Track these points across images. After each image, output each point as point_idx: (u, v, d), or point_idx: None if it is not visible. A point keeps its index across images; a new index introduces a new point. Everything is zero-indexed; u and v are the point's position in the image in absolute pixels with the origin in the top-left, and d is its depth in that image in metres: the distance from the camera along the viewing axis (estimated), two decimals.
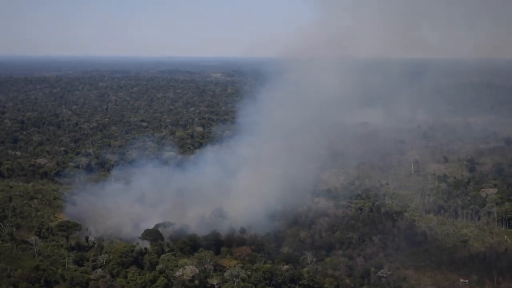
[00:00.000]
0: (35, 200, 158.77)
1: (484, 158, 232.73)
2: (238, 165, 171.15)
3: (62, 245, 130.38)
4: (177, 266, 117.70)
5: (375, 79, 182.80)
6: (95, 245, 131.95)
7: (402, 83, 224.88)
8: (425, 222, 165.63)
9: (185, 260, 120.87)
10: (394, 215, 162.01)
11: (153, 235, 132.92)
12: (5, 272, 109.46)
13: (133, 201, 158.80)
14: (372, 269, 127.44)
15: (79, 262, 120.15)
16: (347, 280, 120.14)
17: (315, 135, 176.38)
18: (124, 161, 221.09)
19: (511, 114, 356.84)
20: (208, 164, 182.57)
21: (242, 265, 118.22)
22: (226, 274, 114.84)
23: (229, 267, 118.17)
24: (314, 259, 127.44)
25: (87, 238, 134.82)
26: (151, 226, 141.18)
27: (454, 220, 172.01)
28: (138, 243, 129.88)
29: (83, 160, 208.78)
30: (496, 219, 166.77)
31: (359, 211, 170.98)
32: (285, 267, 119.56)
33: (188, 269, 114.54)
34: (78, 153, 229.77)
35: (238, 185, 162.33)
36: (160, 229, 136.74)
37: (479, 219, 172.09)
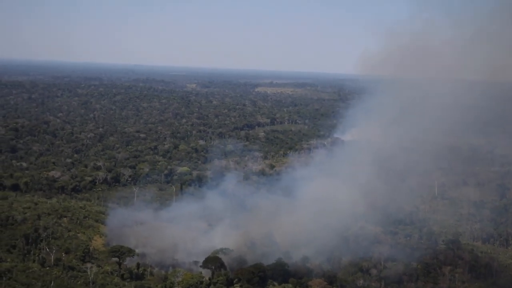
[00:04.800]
0: (65, 219, 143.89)
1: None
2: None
3: (112, 273, 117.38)
4: None
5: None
6: (147, 273, 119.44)
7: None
8: (480, 251, 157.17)
9: None
10: (451, 244, 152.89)
11: (215, 263, 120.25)
12: None
13: (173, 221, 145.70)
14: None
15: None
16: None
17: None
18: (138, 175, 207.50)
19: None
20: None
21: None
22: None
23: None
24: None
25: (138, 264, 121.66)
26: (204, 251, 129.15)
27: (506, 249, 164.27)
28: (201, 272, 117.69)
29: (100, 175, 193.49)
30: None
31: (408, 238, 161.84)
32: None
33: None
34: (86, 166, 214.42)
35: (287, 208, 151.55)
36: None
37: None
